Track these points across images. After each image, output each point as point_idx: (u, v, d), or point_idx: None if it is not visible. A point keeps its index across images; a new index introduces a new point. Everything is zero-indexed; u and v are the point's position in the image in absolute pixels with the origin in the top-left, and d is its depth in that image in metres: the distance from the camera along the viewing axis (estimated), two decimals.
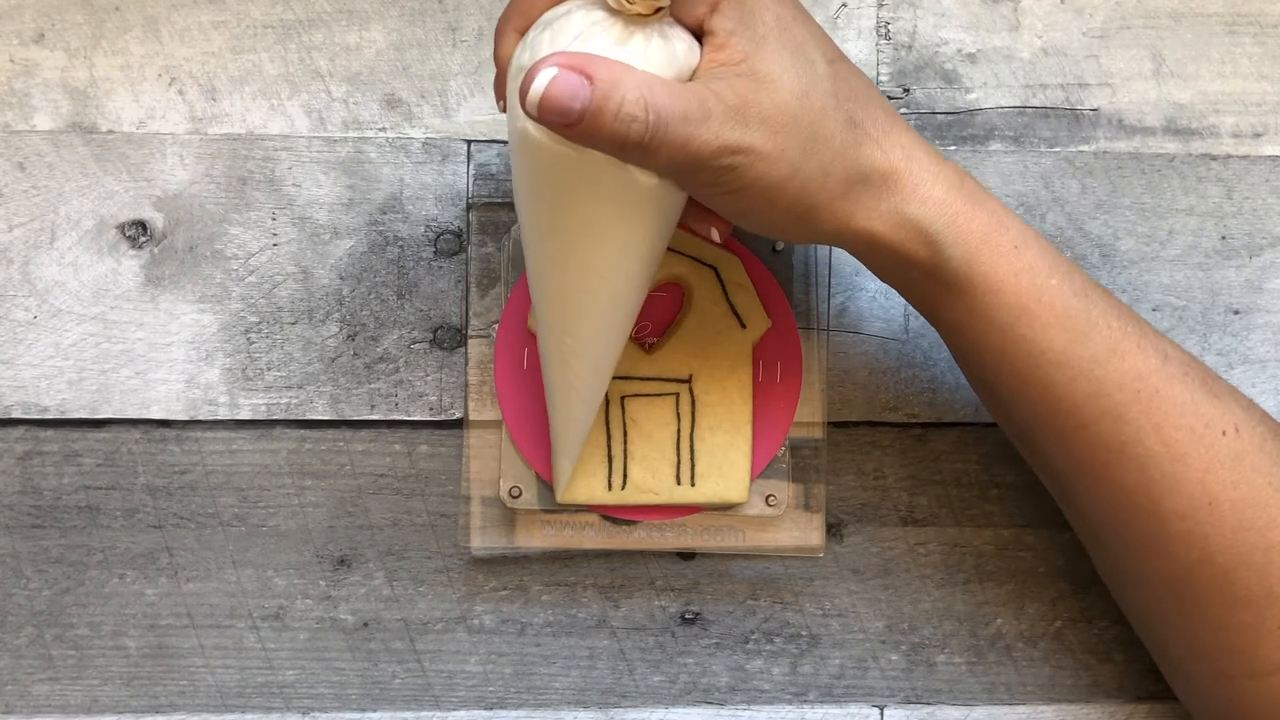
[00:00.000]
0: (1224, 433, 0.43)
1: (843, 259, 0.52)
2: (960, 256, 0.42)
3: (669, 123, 0.37)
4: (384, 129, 0.51)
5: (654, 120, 0.37)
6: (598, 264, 0.42)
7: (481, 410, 0.51)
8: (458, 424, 0.51)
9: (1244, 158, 0.53)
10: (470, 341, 0.51)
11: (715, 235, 0.44)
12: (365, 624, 0.51)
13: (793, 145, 0.39)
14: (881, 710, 0.52)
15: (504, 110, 0.42)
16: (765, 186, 0.40)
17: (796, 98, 0.39)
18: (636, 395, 0.49)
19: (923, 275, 0.43)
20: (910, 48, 0.53)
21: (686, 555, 0.52)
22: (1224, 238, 0.53)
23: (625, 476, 0.49)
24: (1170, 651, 0.47)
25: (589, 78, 0.37)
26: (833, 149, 0.40)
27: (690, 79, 0.39)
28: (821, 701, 0.52)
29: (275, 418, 0.51)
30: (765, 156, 0.39)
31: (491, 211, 0.51)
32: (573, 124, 0.37)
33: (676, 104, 0.37)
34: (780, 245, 0.51)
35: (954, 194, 0.42)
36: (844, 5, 0.53)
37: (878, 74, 0.53)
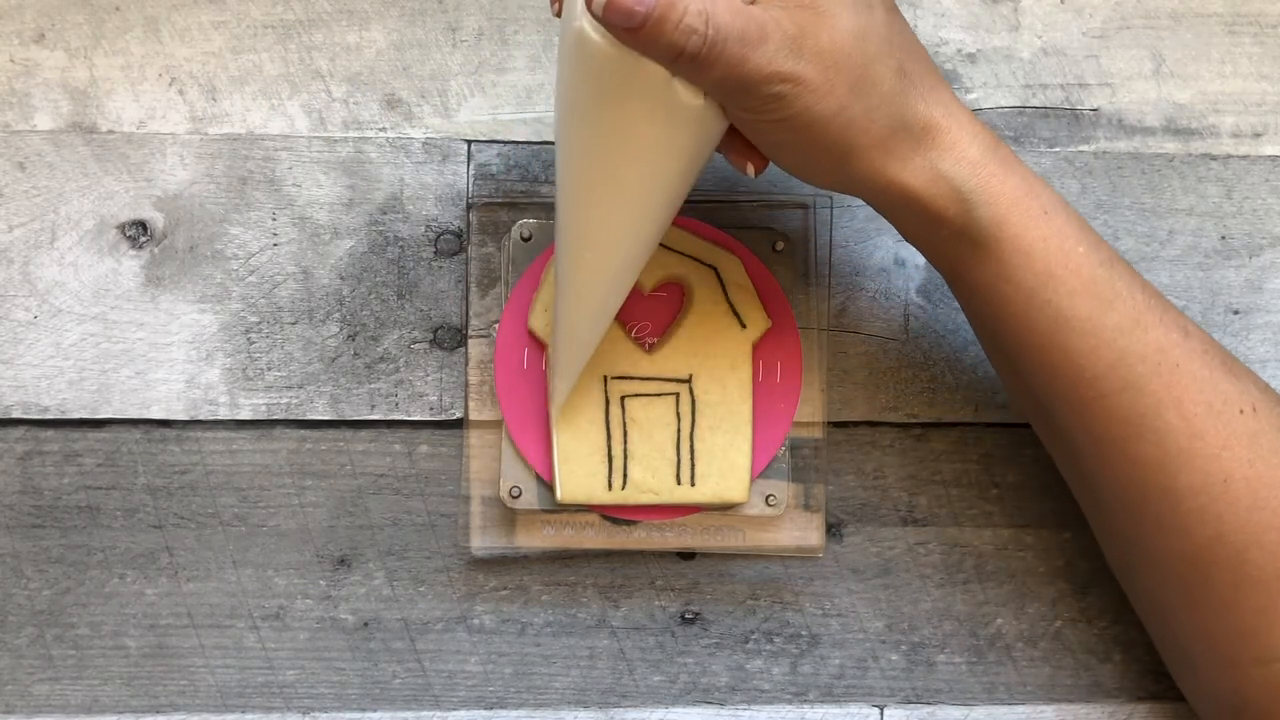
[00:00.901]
0: (1241, 411, 0.43)
1: (843, 259, 0.52)
2: (990, 217, 0.42)
3: (726, 40, 0.38)
4: (384, 129, 0.52)
5: (712, 36, 0.37)
6: (631, 180, 0.42)
7: (481, 410, 0.51)
8: (458, 424, 0.51)
9: (1244, 158, 0.53)
10: (470, 341, 0.51)
11: (750, 170, 0.44)
12: (365, 624, 0.51)
13: (842, 83, 0.39)
14: (881, 710, 0.52)
15: (558, 14, 0.42)
16: (809, 120, 0.40)
17: (853, 37, 0.40)
18: (636, 395, 0.49)
19: (951, 235, 0.43)
20: None
21: (686, 555, 0.52)
22: (1224, 238, 0.53)
23: (625, 476, 0.49)
24: (1178, 639, 0.47)
25: None
26: (880, 94, 0.40)
27: (751, 2, 0.39)
28: (821, 701, 0.52)
29: (275, 418, 0.51)
30: (814, 89, 0.39)
31: (491, 211, 0.51)
32: (635, 28, 0.37)
33: (736, 23, 0.38)
34: (780, 245, 0.51)
35: (989, 156, 0.42)
36: None
37: None
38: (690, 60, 0.38)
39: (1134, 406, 0.43)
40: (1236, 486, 0.43)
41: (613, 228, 0.43)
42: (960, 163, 0.42)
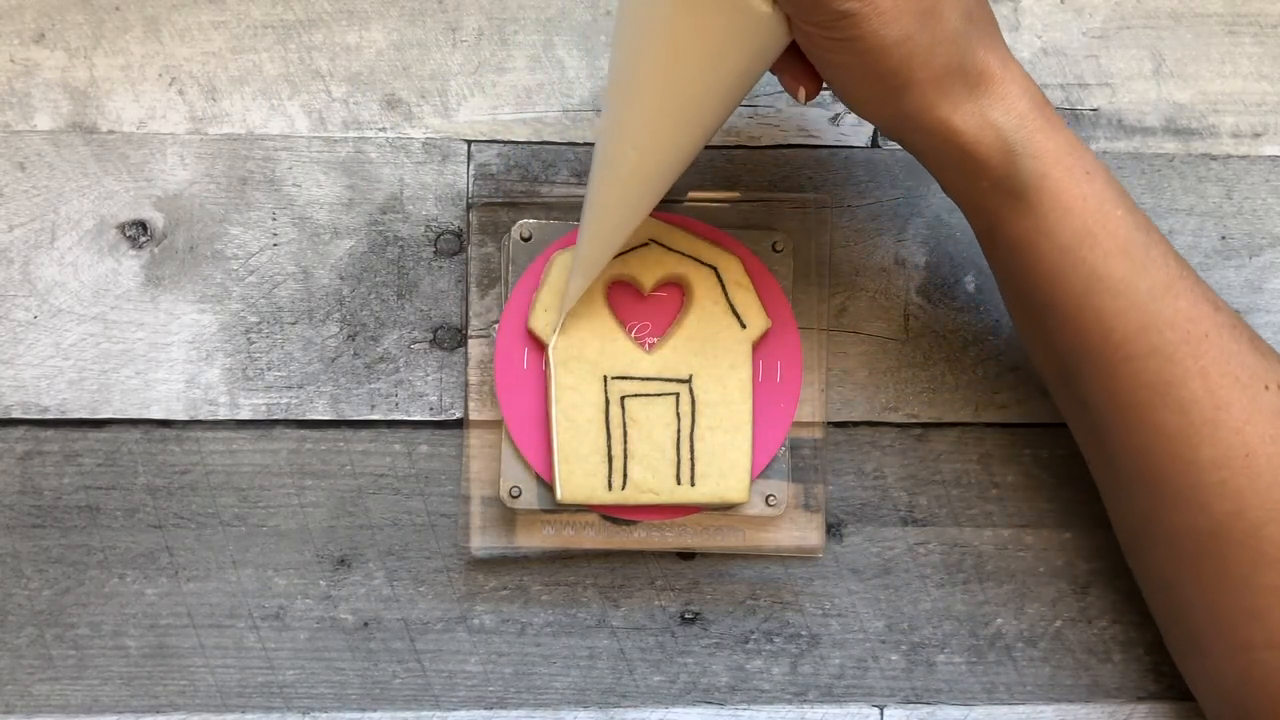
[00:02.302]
0: (1266, 387, 0.43)
1: (843, 259, 0.52)
2: (1033, 170, 0.42)
3: None
4: (384, 129, 0.52)
5: None
6: (686, 80, 0.42)
7: (481, 410, 0.51)
8: (458, 424, 0.51)
9: (1244, 158, 0.53)
10: (470, 341, 0.51)
11: (802, 94, 0.44)
12: (365, 624, 0.51)
13: (910, 13, 0.40)
14: (881, 710, 0.52)
15: None
16: (873, 44, 0.40)
17: None
18: (636, 395, 0.49)
19: (991, 185, 0.43)
20: None
21: (686, 555, 0.52)
22: (1224, 238, 0.53)
23: (625, 476, 0.49)
24: (1187, 621, 0.47)
25: None
26: (945, 31, 0.40)
27: None
28: (821, 701, 0.52)
29: (275, 418, 0.51)
30: (883, 13, 0.39)
31: (491, 211, 0.51)
32: None
33: None
34: (780, 245, 0.51)
35: (1037, 111, 0.42)
36: None
37: None
38: None
39: (1160, 373, 0.43)
40: (1258, 462, 0.43)
41: (661, 127, 0.43)
42: (1010, 113, 0.42)
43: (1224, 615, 0.45)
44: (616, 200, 0.45)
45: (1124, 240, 0.43)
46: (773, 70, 0.44)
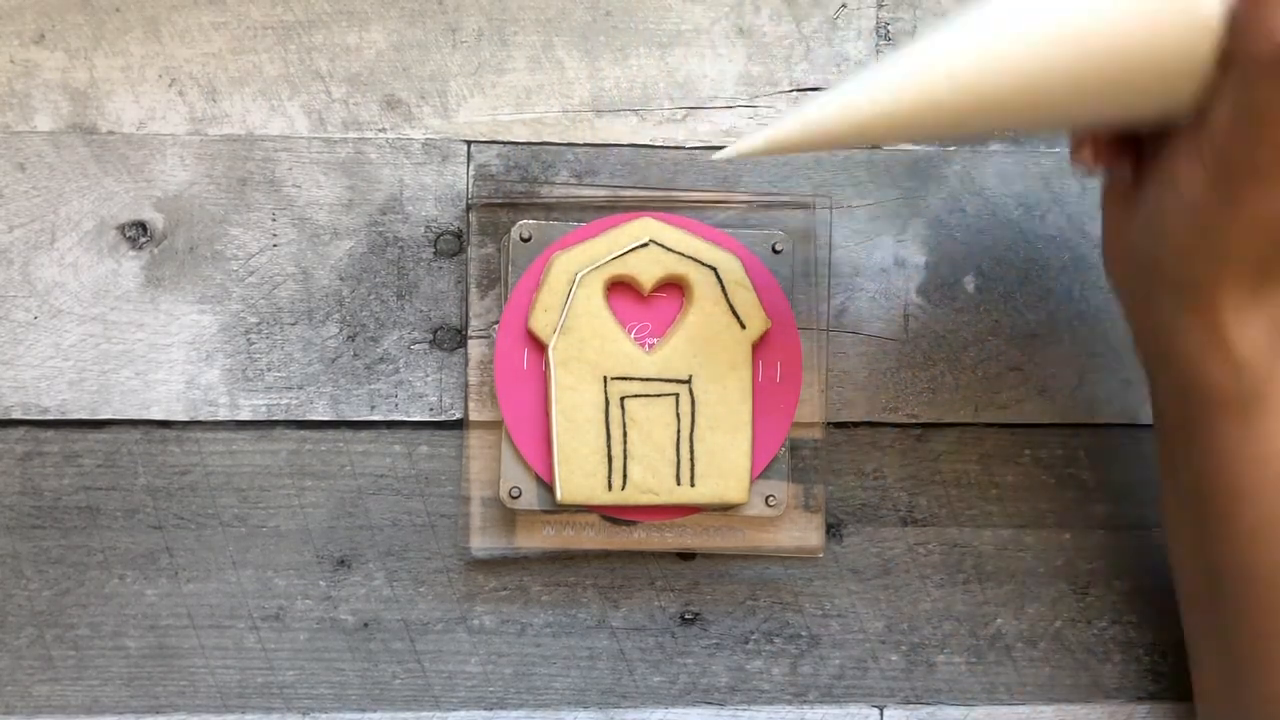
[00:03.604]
0: None
1: (843, 259, 0.52)
2: (1264, 392, 0.40)
3: None
4: (384, 129, 0.52)
5: None
6: (1096, 60, 0.36)
7: (481, 410, 0.51)
8: (458, 424, 0.51)
9: None
10: (470, 342, 0.51)
11: (1090, 159, 0.40)
12: (365, 624, 0.51)
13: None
14: (881, 710, 0.52)
15: None
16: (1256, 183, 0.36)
17: None
18: (636, 395, 0.49)
19: (1212, 388, 0.41)
20: None
21: (686, 555, 0.52)
22: None
23: (625, 476, 0.49)
24: None
25: None
26: None
27: None
28: (821, 702, 0.52)
29: (275, 418, 0.51)
30: None
31: (491, 212, 0.51)
32: None
33: None
34: (780, 246, 0.51)
35: None
36: (844, 5, 0.53)
37: None
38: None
39: None
40: None
41: (1043, 88, 0.37)
42: (1270, 315, 0.39)
43: None
44: (893, 110, 0.38)
45: None
46: (1110, 134, 0.40)
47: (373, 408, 0.51)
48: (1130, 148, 0.41)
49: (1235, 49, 0.35)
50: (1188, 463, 0.43)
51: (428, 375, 0.51)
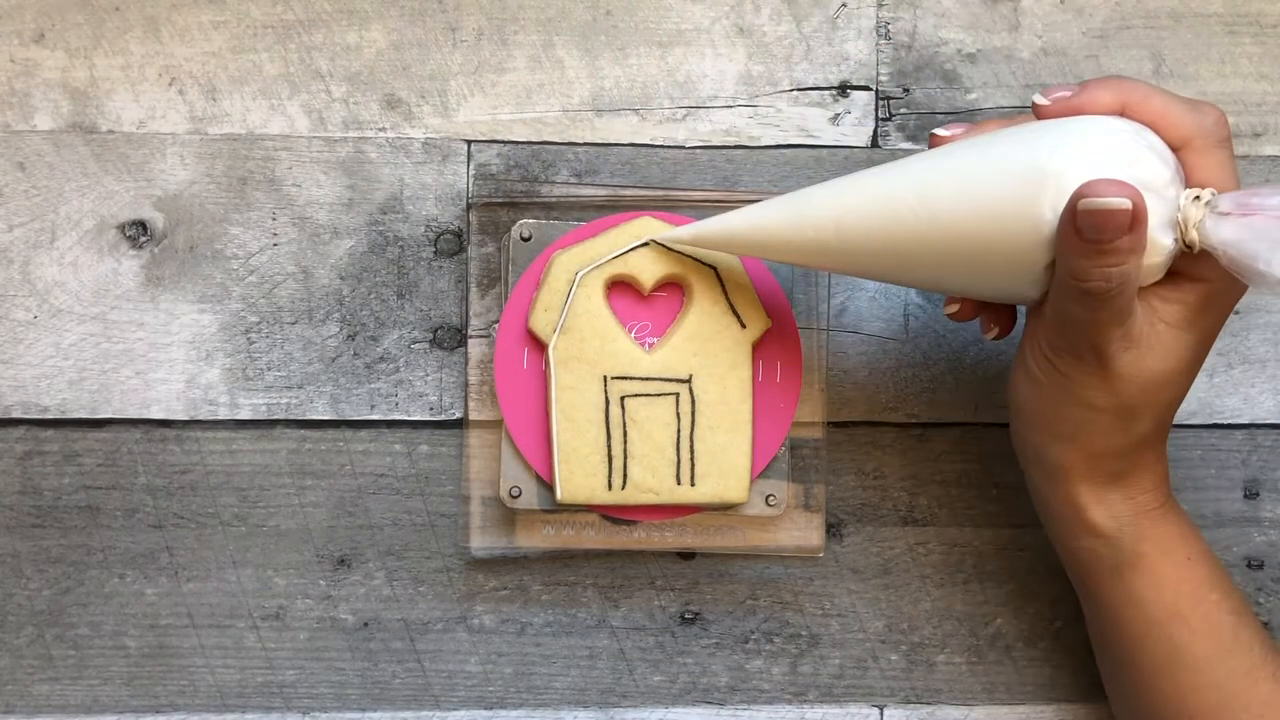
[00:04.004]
0: None
1: None
2: (1134, 550, 0.44)
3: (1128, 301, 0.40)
4: (384, 129, 0.52)
5: (1120, 288, 0.40)
6: (935, 241, 0.42)
7: (481, 410, 0.51)
8: (458, 424, 0.51)
9: (1244, 158, 0.53)
10: (470, 341, 0.51)
11: (994, 334, 0.46)
12: (365, 624, 0.51)
13: (1153, 400, 0.42)
14: (881, 710, 0.52)
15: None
16: (1125, 375, 0.42)
17: (1189, 366, 0.43)
18: (636, 395, 0.49)
19: (1090, 547, 0.45)
20: (910, 48, 0.53)
21: (686, 555, 0.52)
22: None
23: (625, 476, 0.49)
24: None
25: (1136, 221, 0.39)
26: (1157, 422, 0.43)
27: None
28: (821, 701, 0.52)
29: (275, 418, 0.51)
30: (1140, 380, 0.42)
31: (491, 211, 0.51)
32: (1111, 241, 0.39)
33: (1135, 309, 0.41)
34: None
35: (1161, 503, 0.45)
36: (844, 5, 0.53)
37: (878, 74, 0.53)
38: (1098, 292, 0.40)
39: None
40: None
41: (887, 244, 0.43)
42: (1132, 499, 0.44)
43: None
44: (790, 238, 0.45)
45: (1214, 623, 0.44)
46: (992, 307, 0.46)
47: (373, 407, 0.51)
48: (1006, 313, 0.46)
49: (1056, 267, 0.41)
50: (1088, 610, 0.48)
51: (428, 375, 0.51)
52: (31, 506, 0.50)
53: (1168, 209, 0.40)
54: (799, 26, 0.52)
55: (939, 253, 0.42)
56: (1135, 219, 0.38)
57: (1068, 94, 0.42)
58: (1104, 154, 0.40)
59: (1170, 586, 0.44)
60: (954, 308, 0.46)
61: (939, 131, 0.45)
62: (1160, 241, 0.40)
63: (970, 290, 0.45)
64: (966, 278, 0.43)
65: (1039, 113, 0.43)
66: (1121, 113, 0.42)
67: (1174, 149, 0.42)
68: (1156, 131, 0.42)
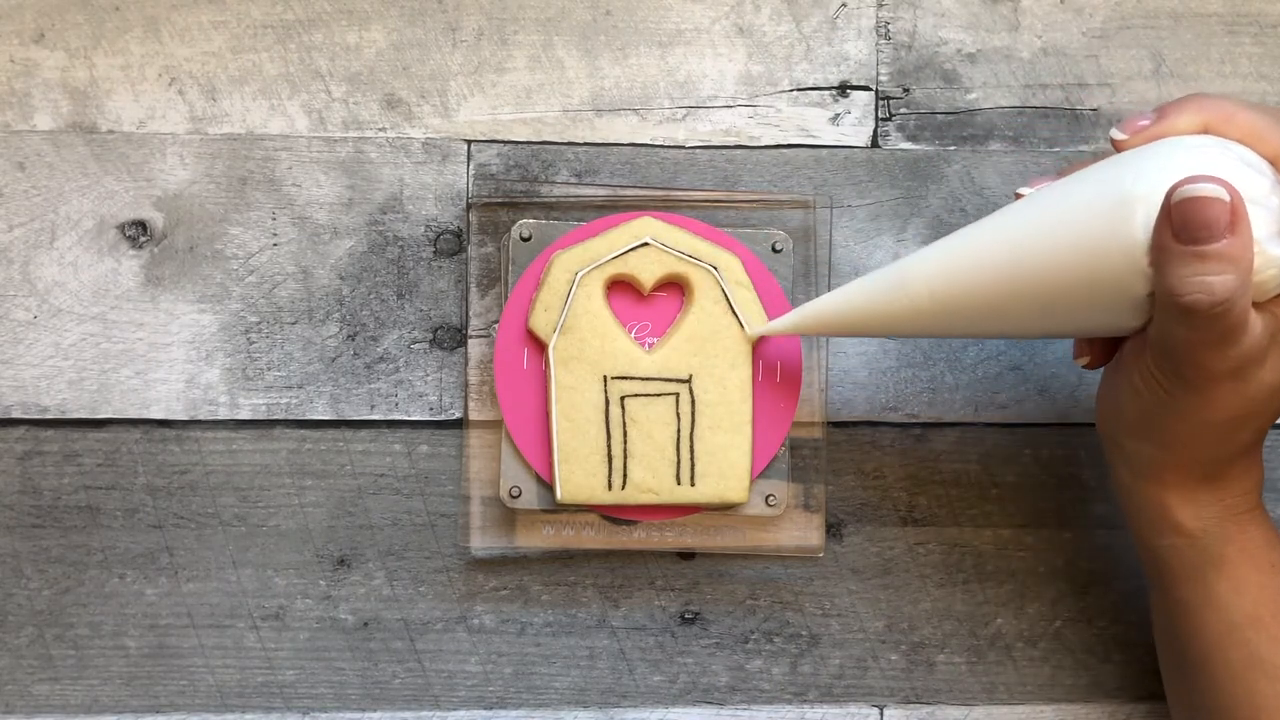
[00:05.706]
0: None
1: (842, 259, 0.52)
2: (1217, 551, 0.44)
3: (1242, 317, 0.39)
4: (384, 129, 0.52)
5: (1237, 306, 0.38)
6: (1029, 291, 0.42)
7: (481, 410, 0.51)
8: (458, 424, 0.51)
9: None
10: (470, 341, 0.51)
11: (1085, 361, 0.45)
12: (365, 624, 0.51)
13: (1263, 410, 0.41)
14: (881, 710, 0.52)
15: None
16: (1241, 389, 0.40)
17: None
18: (636, 395, 0.49)
19: (1172, 545, 0.44)
20: (910, 48, 0.53)
21: (686, 555, 0.52)
22: None
23: (625, 476, 0.49)
24: None
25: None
26: (1250, 436, 0.42)
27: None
28: (821, 701, 0.52)
29: (275, 418, 0.51)
30: (1254, 397, 0.40)
31: (491, 211, 0.51)
32: (1209, 241, 0.37)
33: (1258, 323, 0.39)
34: (780, 245, 0.51)
35: (1252, 505, 0.44)
36: (844, 5, 0.53)
37: (877, 74, 0.53)
38: (1199, 307, 0.38)
39: None
40: None
41: (979, 298, 0.43)
42: (1224, 503, 0.44)
43: None
44: (885, 312, 0.45)
45: None
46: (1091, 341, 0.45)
47: (372, 407, 0.51)
48: (1111, 344, 0.45)
49: (1156, 290, 0.39)
50: (1161, 610, 0.46)
51: (428, 375, 0.51)
52: (31, 506, 0.50)
53: (1274, 219, 0.39)
54: (799, 26, 0.52)
55: (1036, 301, 0.41)
56: (1235, 217, 0.37)
57: (1146, 122, 0.41)
58: (1192, 171, 0.38)
59: (1252, 592, 0.43)
60: (1084, 360, 0.45)
61: (1023, 190, 0.44)
62: (1271, 253, 0.39)
63: (1070, 330, 0.44)
64: (1067, 319, 0.42)
65: (1119, 147, 0.42)
66: (1205, 133, 0.41)
67: (1270, 162, 0.40)
68: (1248, 147, 0.40)
